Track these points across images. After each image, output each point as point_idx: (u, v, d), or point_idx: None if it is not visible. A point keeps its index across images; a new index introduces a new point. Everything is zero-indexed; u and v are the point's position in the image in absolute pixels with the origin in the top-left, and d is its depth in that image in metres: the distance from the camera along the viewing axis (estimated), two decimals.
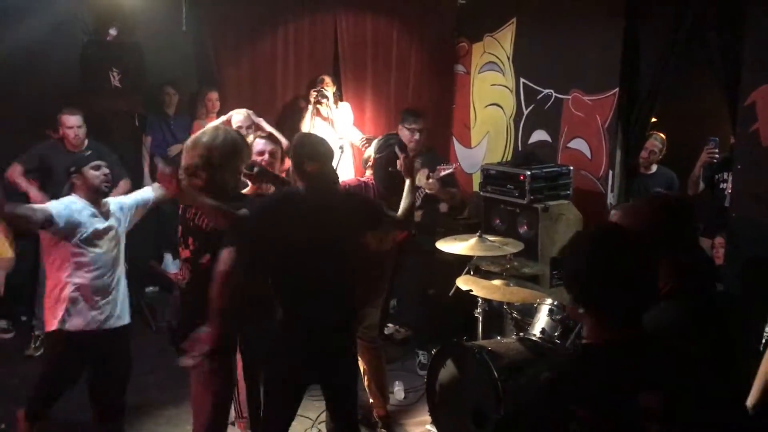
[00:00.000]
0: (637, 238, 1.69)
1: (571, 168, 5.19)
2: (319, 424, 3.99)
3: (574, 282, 1.68)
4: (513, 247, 4.16)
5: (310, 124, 5.43)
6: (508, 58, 6.06)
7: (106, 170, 3.43)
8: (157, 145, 5.91)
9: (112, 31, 5.38)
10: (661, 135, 5.20)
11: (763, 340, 3.00)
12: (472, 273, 4.31)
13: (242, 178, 3.31)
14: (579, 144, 5.47)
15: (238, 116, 4.61)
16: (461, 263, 4.38)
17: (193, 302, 3.04)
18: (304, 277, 2.95)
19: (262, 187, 3.46)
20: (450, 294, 4.24)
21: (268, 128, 4.60)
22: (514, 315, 4.16)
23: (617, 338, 1.62)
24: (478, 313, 4.09)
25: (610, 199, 5.11)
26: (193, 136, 3.23)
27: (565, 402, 1.54)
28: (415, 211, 4.06)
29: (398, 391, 4.50)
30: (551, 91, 5.67)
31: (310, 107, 5.49)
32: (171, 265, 5.98)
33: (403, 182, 3.46)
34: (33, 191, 4.73)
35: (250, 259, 2.96)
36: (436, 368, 3.82)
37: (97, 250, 3.37)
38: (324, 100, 5.45)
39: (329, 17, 6.05)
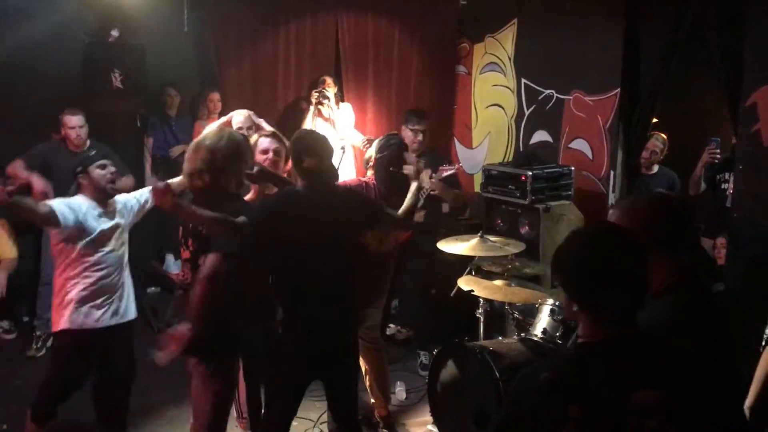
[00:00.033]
0: (632, 237, 1.69)
1: (573, 168, 5.19)
2: (320, 424, 3.99)
3: (569, 280, 1.68)
4: (514, 247, 4.17)
5: (311, 125, 5.42)
6: (510, 59, 6.06)
7: (113, 169, 3.40)
8: (158, 146, 5.92)
9: (114, 33, 5.40)
10: (663, 135, 5.19)
11: (763, 342, 3.00)
12: (473, 273, 4.31)
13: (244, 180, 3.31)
14: (580, 144, 5.47)
15: (238, 117, 4.61)
16: (463, 264, 4.38)
17: None
18: (304, 276, 2.95)
19: (264, 188, 3.47)
20: (451, 294, 4.23)
21: (269, 129, 4.58)
22: (515, 315, 4.16)
23: (613, 337, 1.62)
24: (480, 314, 4.09)
25: (612, 199, 5.10)
26: (196, 139, 3.21)
27: (564, 401, 1.55)
28: (418, 212, 4.06)
29: (400, 392, 4.50)
30: (552, 91, 5.66)
31: (312, 108, 5.49)
32: (173, 266, 5.97)
33: (404, 182, 3.46)
34: (35, 179, 4.65)
35: (251, 263, 2.97)
36: (437, 368, 3.81)
37: (104, 249, 3.35)
38: (325, 101, 5.45)
39: (330, 18, 6.05)
